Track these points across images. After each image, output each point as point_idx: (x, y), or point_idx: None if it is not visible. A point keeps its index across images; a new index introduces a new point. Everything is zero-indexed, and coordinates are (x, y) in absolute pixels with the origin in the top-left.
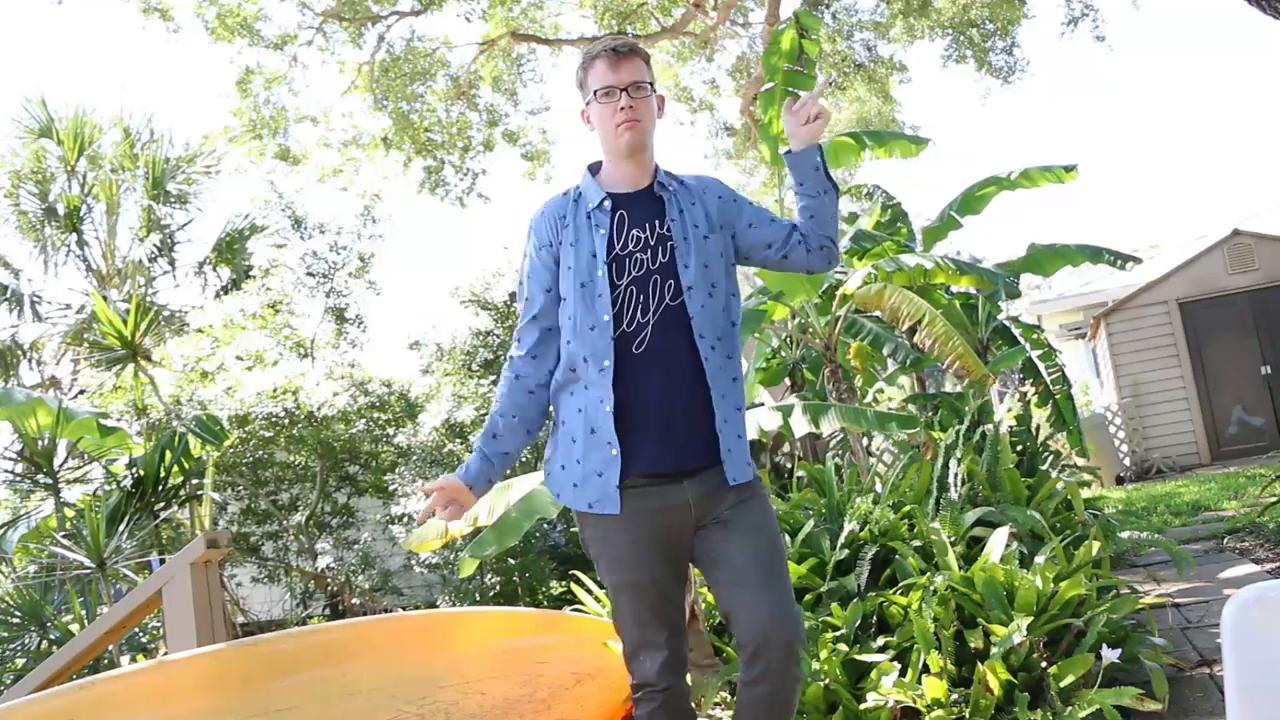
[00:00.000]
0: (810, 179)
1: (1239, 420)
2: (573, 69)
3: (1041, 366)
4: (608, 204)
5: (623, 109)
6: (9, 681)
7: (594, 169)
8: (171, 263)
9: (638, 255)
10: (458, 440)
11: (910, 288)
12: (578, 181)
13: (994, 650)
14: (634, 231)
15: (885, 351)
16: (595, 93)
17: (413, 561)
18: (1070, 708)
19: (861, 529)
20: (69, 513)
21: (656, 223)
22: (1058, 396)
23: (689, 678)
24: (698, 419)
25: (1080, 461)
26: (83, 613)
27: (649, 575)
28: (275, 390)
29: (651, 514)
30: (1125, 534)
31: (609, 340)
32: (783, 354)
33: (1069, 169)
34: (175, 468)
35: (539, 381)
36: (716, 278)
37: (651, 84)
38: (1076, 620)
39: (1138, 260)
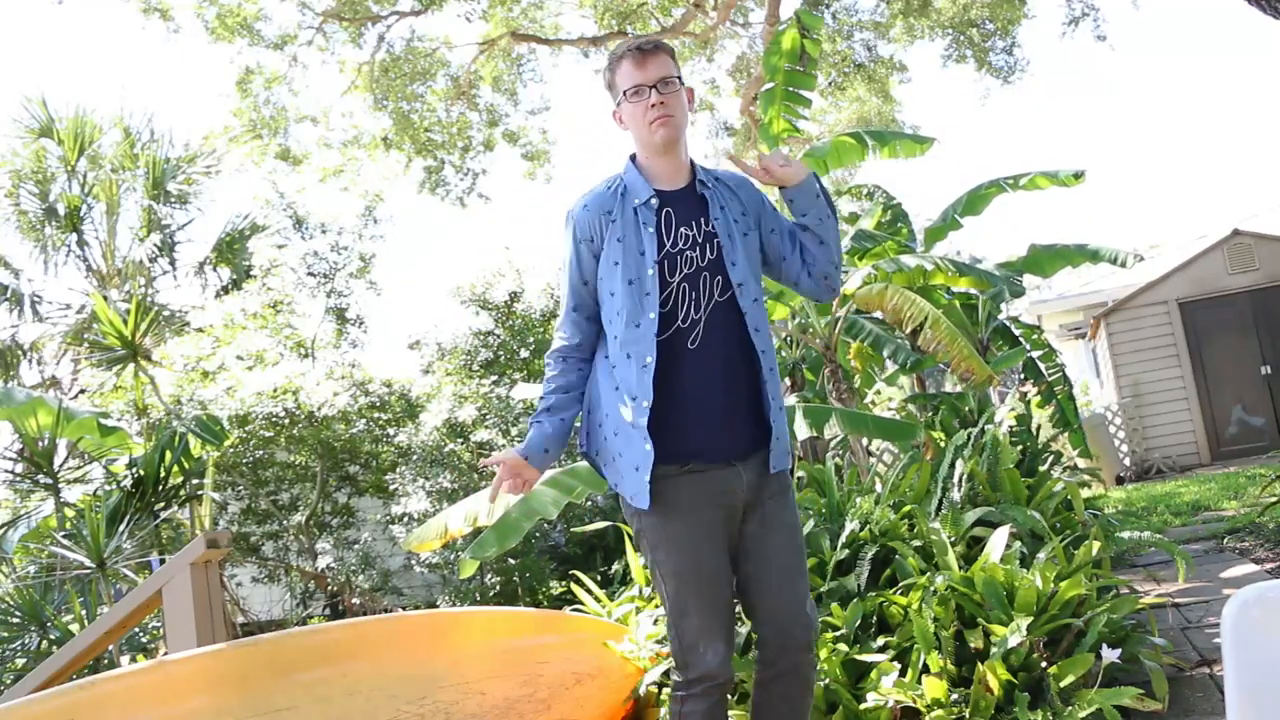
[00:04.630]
0: (813, 207)
1: (1239, 420)
2: (573, 69)
3: (1042, 367)
4: (655, 201)
5: (654, 105)
6: (9, 681)
7: (635, 160)
8: (172, 263)
9: (688, 253)
10: (459, 440)
11: (910, 288)
12: (619, 172)
13: (994, 650)
14: (682, 229)
15: (885, 353)
16: (625, 92)
17: (413, 561)
18: (1070, 708)
19: (861, 529)
20: (69, 513)
21: (702, 220)
22: (1059, 396)
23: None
24: (752, 410)
25: (1082, 463)
26: (83, 613)
27: (706, 561)
28: (275, 390)
29: (708, 498)
30: (1125, 534)
31: (653, 338)
32: (783, 354)
33: (1077, 175)
34: (175, 468)
35: (584, 359)
36: (758, 272)
37: (679, 78)
38: (1076, 620)
39: (1139, 258)
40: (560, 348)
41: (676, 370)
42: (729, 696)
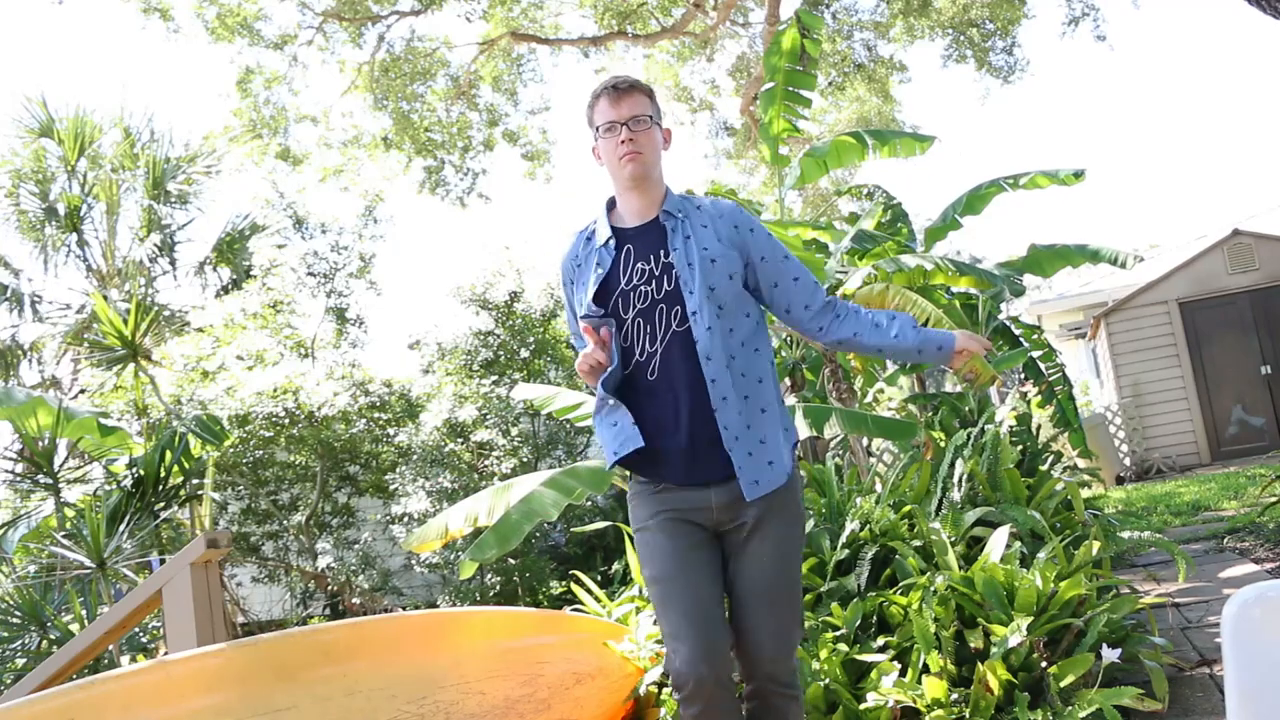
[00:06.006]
0: (922, 361)
1: (1239, 420)
2: (573, 69)
3: (1042, 367)
4: (613, 243)
5: (624, 142)
6: (9, 681)
7: (610, 204)
8: (172, 263)
9: (642, 288)
10: (459, 440)
11: (911, 288)
12: (594, 218)
13: (994, 650)
14: (639, 265)
15: None
16: (599, 128)
17: (413, 561)
18: (1070, 708)
19: (862, 529)
20: (69, 513)
21: (661, 253)
22: (1059, 396)
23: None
24: (711, 439)
25: (1082, 463)
26: (83, 613)
27: (676, 566)
28: (275, 390)
29: (679, 512)
30: (1125, 534)
31: (616, 373)
32: (783, 354)
33: (1077, 174)
34: (175, 468)
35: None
36: (725, 299)
37: (653, 117)
38: (1076, 620)
39: (1139, 258)
40: None
41: (640, 403)
42: (738, 705)
